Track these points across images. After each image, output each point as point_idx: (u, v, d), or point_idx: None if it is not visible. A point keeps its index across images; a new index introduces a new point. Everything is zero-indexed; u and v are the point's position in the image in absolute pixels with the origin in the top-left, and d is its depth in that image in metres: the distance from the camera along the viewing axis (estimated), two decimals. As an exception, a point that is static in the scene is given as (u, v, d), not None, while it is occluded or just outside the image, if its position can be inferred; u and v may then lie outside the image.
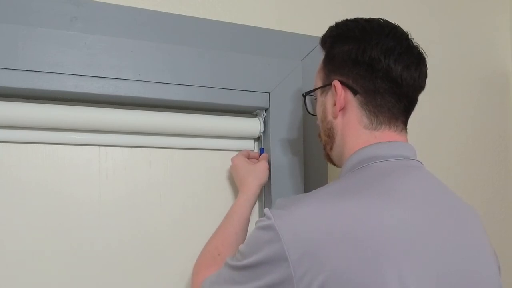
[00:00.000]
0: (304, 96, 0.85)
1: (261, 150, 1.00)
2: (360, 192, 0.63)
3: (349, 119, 0.72)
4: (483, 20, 1.38)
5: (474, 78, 1.35)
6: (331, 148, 0.78)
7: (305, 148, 1.01)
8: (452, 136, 1.30)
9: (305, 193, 0.67)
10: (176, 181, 0.96)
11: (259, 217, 0.99)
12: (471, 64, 1.35)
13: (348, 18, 0.76)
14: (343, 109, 0.73)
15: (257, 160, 0.98)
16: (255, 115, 1.03)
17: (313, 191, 0.66)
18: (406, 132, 0.74)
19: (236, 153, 0.99)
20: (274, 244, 0.59)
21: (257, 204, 1.02)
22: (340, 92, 0.72)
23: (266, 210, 0.63)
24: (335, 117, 0.74)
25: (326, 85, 0.75)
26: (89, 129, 0.88)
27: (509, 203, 1.38)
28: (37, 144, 0.86)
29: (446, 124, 1.29)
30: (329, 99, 0.75)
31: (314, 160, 1.02)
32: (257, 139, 1.04)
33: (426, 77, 0.73)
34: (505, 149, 1.39)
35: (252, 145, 1.03)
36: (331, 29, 0.77)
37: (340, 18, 0.77)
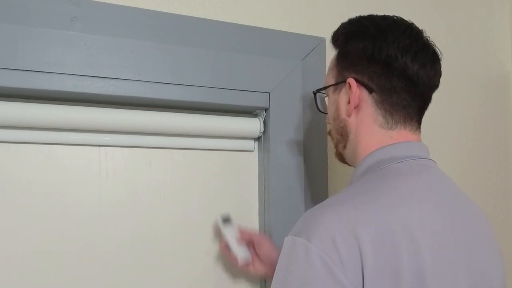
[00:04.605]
0: (315, 94, 0.83)
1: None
2: (386, 195, 0.62)
3: (364, 118, 0.71)
4: (483, 21, 1.38)
5: (474, 79, 1.35)
6: (344, 147, 0.76)
7: (305, 148, 1.01)
8: (452, 136, 1.30)
9: (331, 200, 0.65)
10: (176, 181, 0.96)
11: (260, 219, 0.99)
12: (471, 64, 1.35)
13: (351, 16, 0.76)
14: (357, 107, 0.71)
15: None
16: (255, 115, 1.03)
17: (339, 198, 0.64)
18: (420, 131, 0.73)
19: (236, 153, 1.00)
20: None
21: (256, 204, 1.02)
22: (355, 90, 0.70)
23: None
24: (348, 115, 0.73)
25: (340, 83, 0.74)
26: (89, 129, 0.88)
27: (509, 203, 1.38)
28: (37, 144, 0.86)
29: (446, 124, 1.29)
30: (342, 97, 0.74)
31: (314, 160, 1.02)
32: (257, 139, 1.04)
33: (440, 75, 0.73)
34: (505, 149, 1.39)
35: (252, 145, 1.03)
36: (344, 26, 0.75)
37: (340, 18, 0.77)
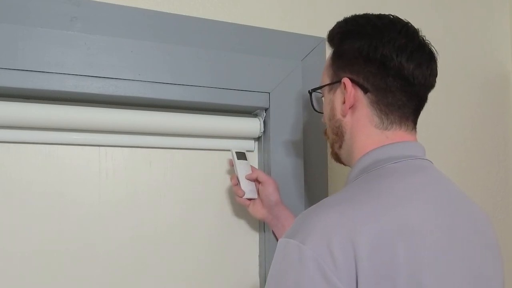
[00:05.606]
0: (310, 93, 0.83)
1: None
2: (383, 195, 0.62)
3: (359, 118, 0.71)
4: (482, 21, 1.38)
5: (474, 79, 1.35)
6: (340, 147, 0.76)
7: (305, 148, 1.01)
8: (451, 136, 1.30)
9: (329, 203, 0.63)
10: (176, 181, 0.96)
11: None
12: (471, 64, 1.35)
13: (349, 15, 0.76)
14: (352, 107, 0.71)
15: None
16: (255, 115, 1.03)
17: (335, 198, 0.64)
18: (416, 131, 0.73)
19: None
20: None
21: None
22: (350, 90, 0.70)
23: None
24: (344, 115, 0.72)
25: (335, 82, 0.73)
26: (89, 129, 0.88)
27: (509, 203, 1.38)
28: (37, 144, 0.86)
29: (446, 124, 1.29)
30: (337, 96, 0.73)
31: (314, 159, 1.02)
32: (257, 139, 1.04)
33: (436, 75, 0.72)
34: (504, 149, 1.39)
35: (252, 145, 1.03)
36: (339, 25, 0.75)
37: (340, 18, 0.77)
